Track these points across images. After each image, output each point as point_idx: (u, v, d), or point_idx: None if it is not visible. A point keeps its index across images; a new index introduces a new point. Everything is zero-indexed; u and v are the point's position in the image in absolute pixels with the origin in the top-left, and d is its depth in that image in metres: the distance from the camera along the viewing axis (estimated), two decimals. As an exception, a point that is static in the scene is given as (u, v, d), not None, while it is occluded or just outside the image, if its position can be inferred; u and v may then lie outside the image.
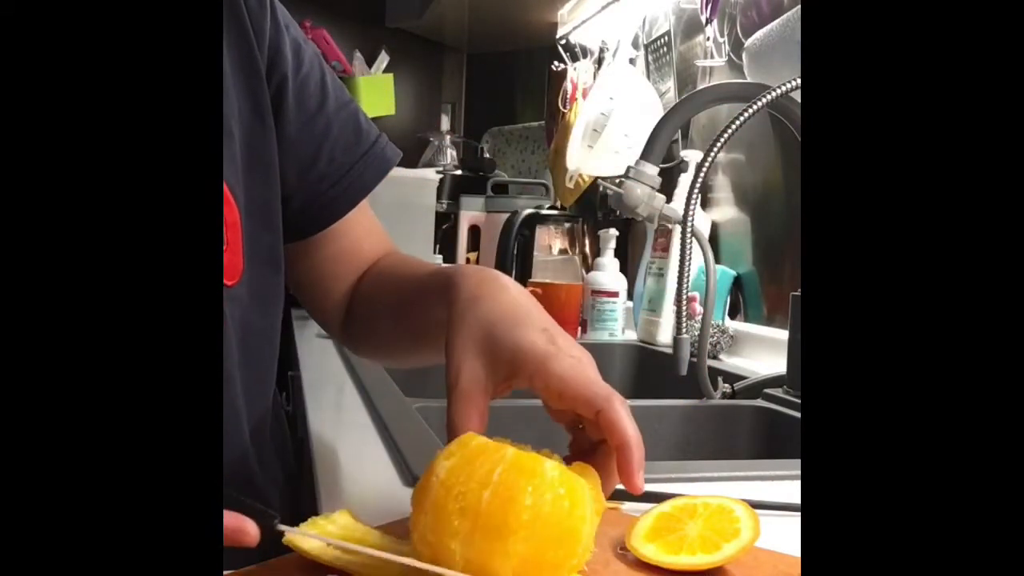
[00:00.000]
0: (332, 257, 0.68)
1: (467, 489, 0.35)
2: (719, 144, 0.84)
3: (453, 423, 0.43)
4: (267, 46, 0.61)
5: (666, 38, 1.61)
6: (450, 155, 2.34)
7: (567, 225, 1.67)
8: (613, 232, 1.44)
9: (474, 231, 2.01)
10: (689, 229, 0.86)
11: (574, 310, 1.44)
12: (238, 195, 0.57)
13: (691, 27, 1.53)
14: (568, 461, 0.42)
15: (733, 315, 1.32)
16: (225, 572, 0.34)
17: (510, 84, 2.59)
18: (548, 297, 1.43)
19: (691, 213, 0.86)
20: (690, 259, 0.87)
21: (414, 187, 1.77)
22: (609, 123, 1.51)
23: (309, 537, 0.39)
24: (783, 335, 1.05)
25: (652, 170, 0.97)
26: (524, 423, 0.84)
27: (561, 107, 1.89)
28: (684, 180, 1.34)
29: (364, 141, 0.66)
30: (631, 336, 1.41)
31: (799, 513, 0.51)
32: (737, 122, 0.82)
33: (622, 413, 0.41)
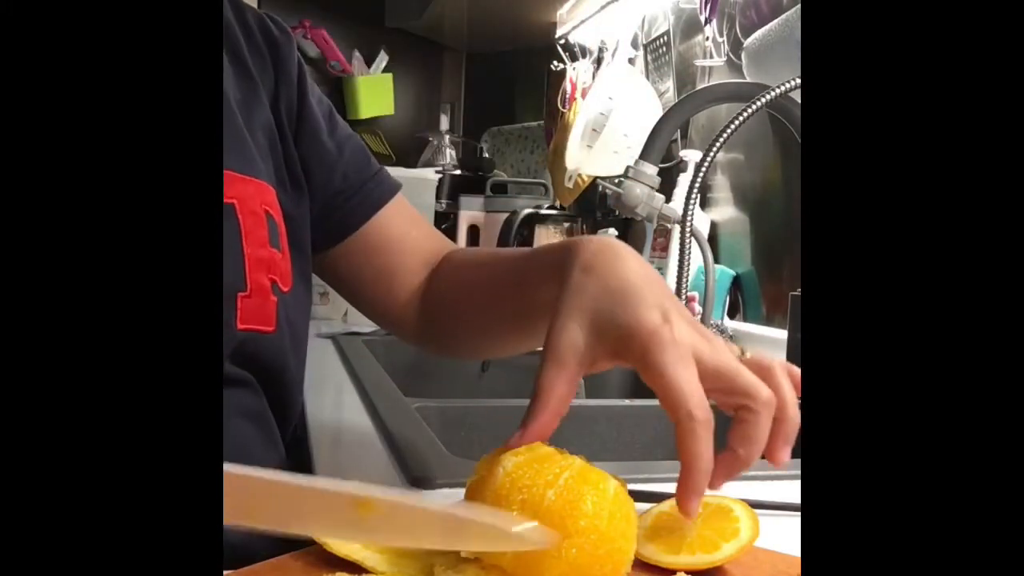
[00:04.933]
0: (378, 250, 0.68)
1: (532, 484, 0.36)
2: (718, 144, 0.84)
3: (540, 384, 0.42)
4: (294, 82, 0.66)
5: (665, 38, 1.61)
6: (449, 155, 2.34)
7: (566, 225, 1.67)
8: (612, 232, 1.44)
9: (473, 231, 2.01)
10: (688, 229, 0.86)
11: (573, 310, 1.44)
12: (284, 204, 0.61)
13: (690, 27, 1.53)
14: None
15: (732, 315, 1.32)
16: (225, 572, 0.34)
17: (509, 84, 2.59)
18: (547, 297, 1.43)
19: (690, 213, 0.86)
20: (689, 259, 0.87)
21: (413, 187, 1.77)
22: (608, 123, 1.51)
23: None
24: (782, 335, 1.05)
25: (651, 170, 0.98)
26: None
27: (560, 107, 1.89)
28: (683, 180, 1.34)
29: (372, 166, 0.70)
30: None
31: (799, 513, 0.51)
32: (736, 122, 0.82)
33: (700, 436, 0.38)
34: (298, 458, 0.75)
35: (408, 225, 0.70)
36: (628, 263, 0.44)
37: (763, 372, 0.42)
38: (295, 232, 0.62)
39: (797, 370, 0.43)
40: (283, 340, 0.59)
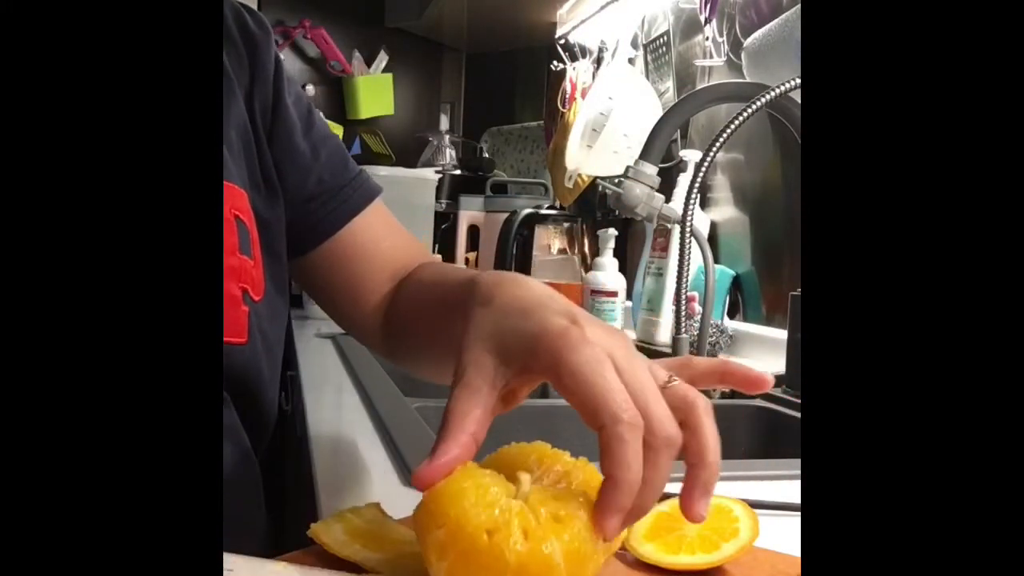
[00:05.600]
0: (348, 258, 0.66)
1: None
2: (718, 144, 0.84)
3: (451, 409, 0.37)
4: (270, 75, 0.63)
5: (665, 38, 1.61)
6: (449, 155, 2.34)
7: (566, 225, 1.67)
8: (612, 232, 1.44)
9: (473, 231, 2.01)
10: (688, 229, 0.86)
11: (573, 310, 1.44)
12: (257, 207, 0.58)
13: (690, 27, 1.53)
14: None
15: (732, 315, 1.32)
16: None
17: (509, 84, 2.59)
18: (547, 297, 1.43)
19: (690, 213, 0.86)
20: (689, 259, 0.87)
21: (413, 187, 1.77)
22: (608, 123, 1.51)
23: (333, 530, 0.39)
24: (782, 335, 1.05)
25: (651, 170, 0.98)
26: (524, 423, 0.84)
27: (560, 107, 1.89)
28: (683, 180, 1.34)
29: (351, 170, 0.68)
30: (630, 336, 1.42)
31: (798, 513, 0.51)
32: (736, 122, 0.82)
33: (628, 441, 0.33)
34: (297, 459, 0.75)
35: (383, 233, 0.68)
36: (528, 285, 0.42)
37: (684, 407, 0.36)
38: (269, 237, 0.60)
39: (734, 366, 0.39)
40: (255, 351, 0.57)
